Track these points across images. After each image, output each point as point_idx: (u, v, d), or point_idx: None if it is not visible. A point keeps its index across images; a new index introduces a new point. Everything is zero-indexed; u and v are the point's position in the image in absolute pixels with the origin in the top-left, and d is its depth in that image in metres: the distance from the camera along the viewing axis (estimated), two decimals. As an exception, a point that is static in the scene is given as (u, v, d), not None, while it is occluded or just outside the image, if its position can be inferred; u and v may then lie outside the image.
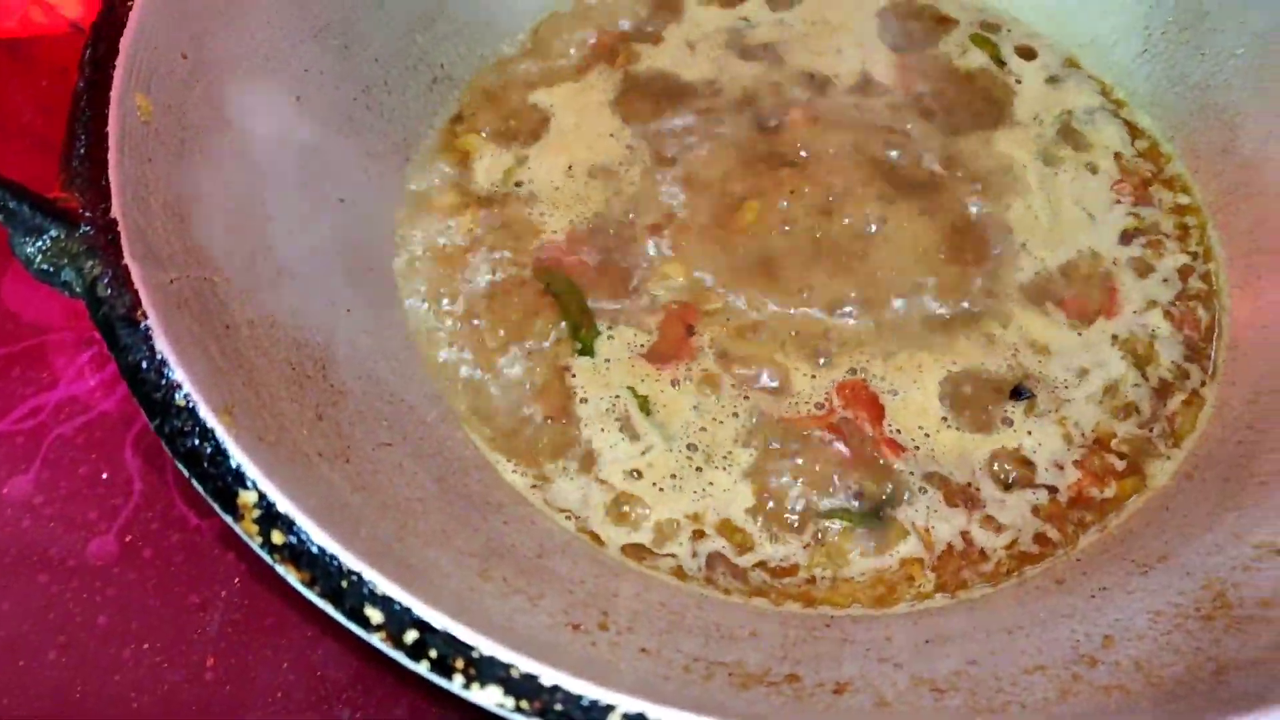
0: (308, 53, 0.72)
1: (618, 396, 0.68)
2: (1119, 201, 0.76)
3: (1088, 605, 0.57)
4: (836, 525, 0.64)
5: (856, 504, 0.64)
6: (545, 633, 0.47)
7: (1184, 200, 0.77)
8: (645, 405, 0.68)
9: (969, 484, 0.66)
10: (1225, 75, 0.78)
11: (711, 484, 0.66)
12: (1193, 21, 0.81)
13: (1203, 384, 0.70)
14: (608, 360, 0.70)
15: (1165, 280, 0.73)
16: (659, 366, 0.69)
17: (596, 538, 0.64)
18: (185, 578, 0.81)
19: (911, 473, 0.66)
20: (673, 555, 0.64)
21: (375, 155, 0.76)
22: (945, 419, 0.67)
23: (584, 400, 0.68)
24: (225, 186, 0.63)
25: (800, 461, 0.65)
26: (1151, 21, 0.83)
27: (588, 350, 0.70)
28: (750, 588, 0.63)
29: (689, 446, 0.67)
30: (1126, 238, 0.75)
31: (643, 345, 0.70)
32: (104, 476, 0.86)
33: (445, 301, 0.72)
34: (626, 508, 0.65)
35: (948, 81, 0.82)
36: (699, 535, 0.64)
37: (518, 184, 0.77)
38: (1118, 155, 0.79)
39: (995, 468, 0.66)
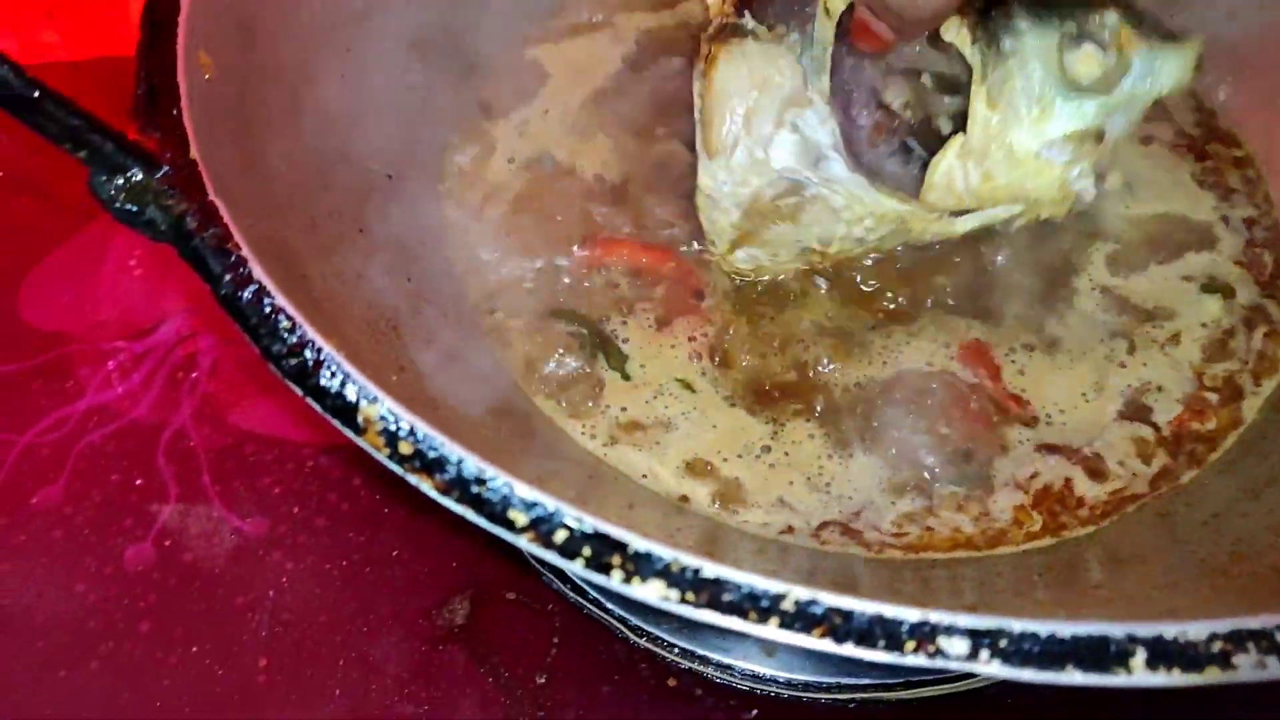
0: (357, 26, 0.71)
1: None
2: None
3: (1202, 531, 0.55)
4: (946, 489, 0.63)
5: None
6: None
7: (1238, 153, 0.78)
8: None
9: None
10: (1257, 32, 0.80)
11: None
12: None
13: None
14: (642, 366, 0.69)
15: (1235, 230, 0.74)
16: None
17: (685, 499, 0.62)
18: (229, 580, 0.77)
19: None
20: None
21: (421, 129, 0.75)
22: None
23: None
24: (285, 149, 0.61)
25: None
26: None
27: (624, 376, 0.68)
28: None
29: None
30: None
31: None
32: (138, 483, 0.82)
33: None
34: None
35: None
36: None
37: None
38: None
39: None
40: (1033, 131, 0.62)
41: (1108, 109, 0.62)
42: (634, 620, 0.70)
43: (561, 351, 0.67)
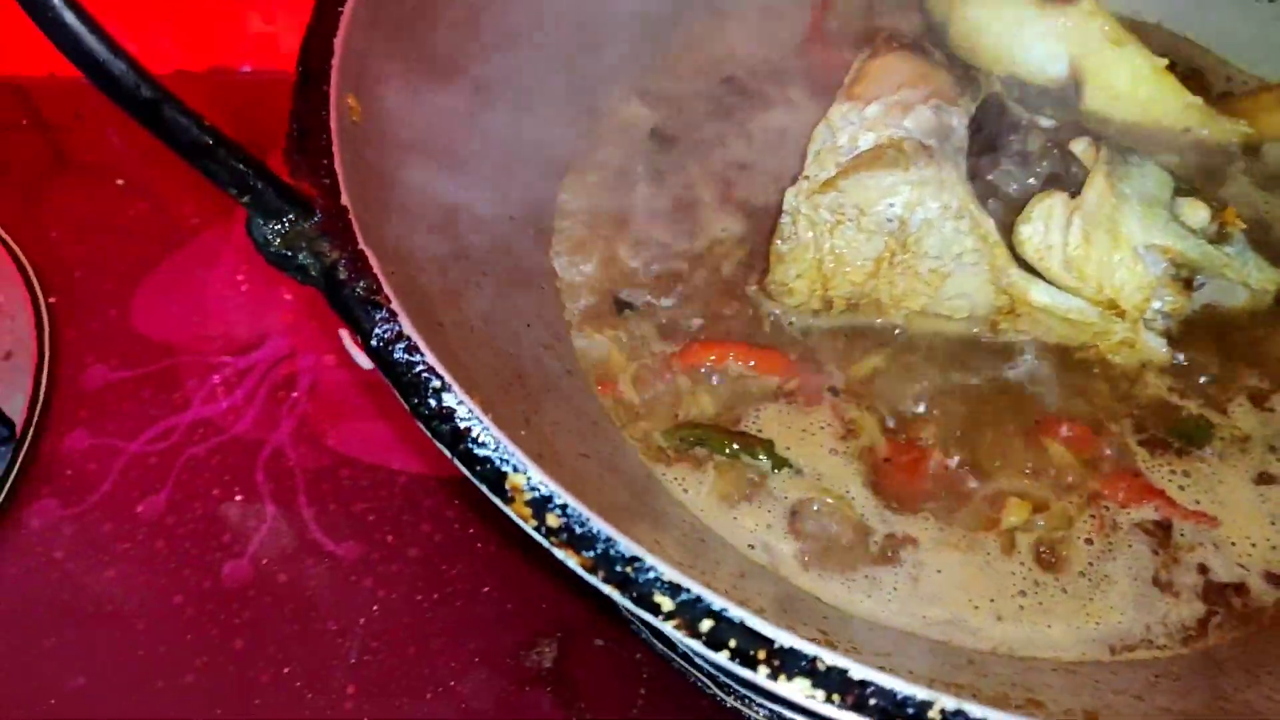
0: (492, 60, 0.72)
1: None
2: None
3: None
4: None
5: None
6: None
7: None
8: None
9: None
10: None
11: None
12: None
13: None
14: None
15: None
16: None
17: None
18: (322, 604, 0.78)
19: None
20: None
21: (549, 177, 0.75)
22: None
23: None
24: (423, 190, 0.62)
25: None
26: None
27: (780, 464, 0.67)
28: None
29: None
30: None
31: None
32: (237, 499, 0.84)
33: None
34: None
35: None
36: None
37: None
38: None
39: None
40: (1140, 225, 0.66)
41: (1204, 254, 0.68)
42: (722, 677, 0.70)
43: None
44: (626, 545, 0.40)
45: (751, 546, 0.62)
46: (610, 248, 0.76)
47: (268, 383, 0.92)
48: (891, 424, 0.67)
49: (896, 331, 0.71)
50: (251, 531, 0.83)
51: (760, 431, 0.67)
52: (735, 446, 0.65)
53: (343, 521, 0.83)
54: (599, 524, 0.40)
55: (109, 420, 0.87)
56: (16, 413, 0.84)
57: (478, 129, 0.71)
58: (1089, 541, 0.62)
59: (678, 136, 0.82)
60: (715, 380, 0.69)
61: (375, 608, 0.78)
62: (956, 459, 0.65)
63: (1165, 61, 0.80)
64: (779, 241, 0.70)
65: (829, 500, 0.63)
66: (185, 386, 0.91)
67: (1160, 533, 0.63)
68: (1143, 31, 0.89)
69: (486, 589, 0.79)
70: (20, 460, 0.82)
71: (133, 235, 1.00)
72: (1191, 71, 0.86)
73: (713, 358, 0.70)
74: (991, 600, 0.60)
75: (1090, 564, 0.62)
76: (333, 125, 0.55)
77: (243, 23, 1.16)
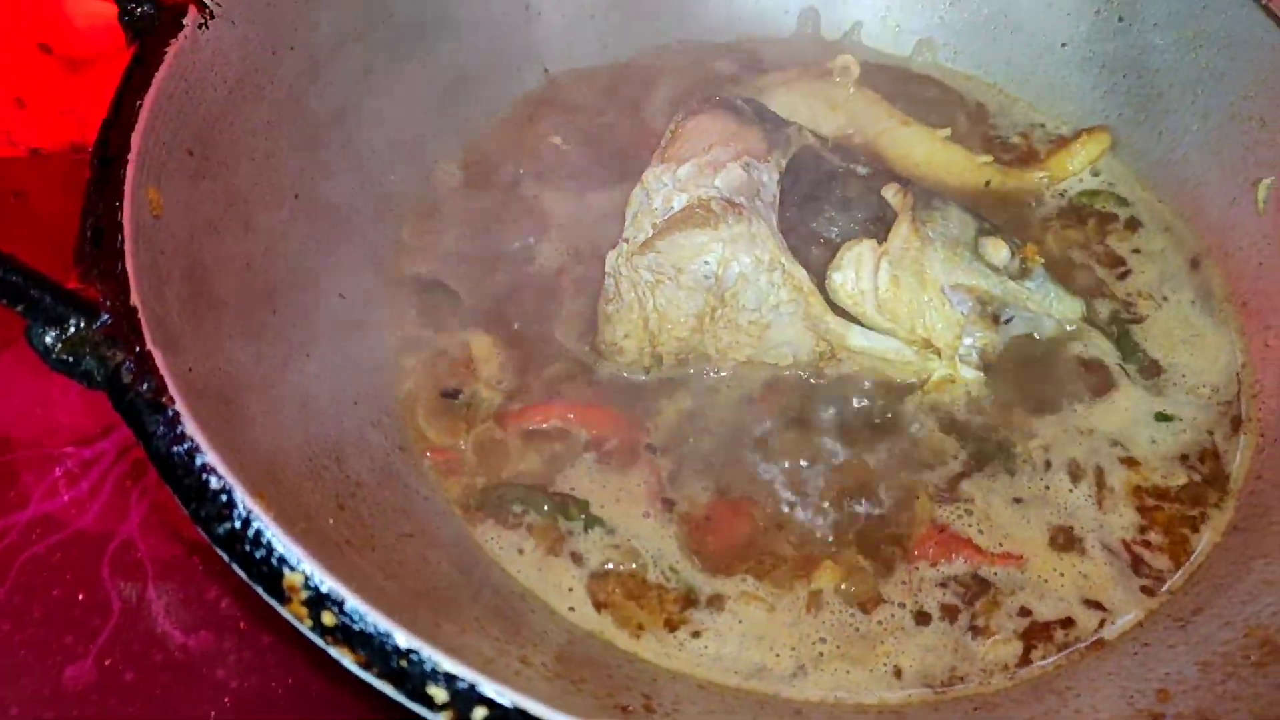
0: (306, 154, 0.73)
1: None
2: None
3: (1132, 663, 0.56)
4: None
5: None
6: (598, 714, 0.45)
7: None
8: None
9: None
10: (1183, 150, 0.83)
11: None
12: (1147, 104, 0.86)
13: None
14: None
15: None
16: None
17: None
18: (172, 700, 0.76)
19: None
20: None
21: (371, 247, 0.75)
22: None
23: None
24: (233, 280, 0.62)
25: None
26: (1108, 107, 0.88)
27: (592, 523, 0.67)
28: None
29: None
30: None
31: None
32: (80, 598, 0.81)
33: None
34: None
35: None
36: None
37: None
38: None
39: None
40: (944, 266, 0.70)
41: (1007, 290, 0.72)
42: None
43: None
44: (405, 638, 0.40)
45: (572, 609, 0.62)
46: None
47: (115, 472, 0.89)
48: (708, 485, 0.68)
49: (722, 377, 0.73)
50: (97, 629, 0.80)
51: (574, 490, 0.68)
52: (550, 506, 0.66)
53: (195, 611, 0.81)
54: (376, 619, 0.40)
55: (-61, 526, 0.84)
56: None
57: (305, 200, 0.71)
58: (901, 605, 0.64)
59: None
60: (541, 440, 0.70)
61: (227, 700, 0.76)
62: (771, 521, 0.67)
63: (947, 131, 0.87)
64: (605, 303, 0.71)
65: (640, 561, 0.64)
66: (23, 482, 0.88)
67: (974, 584, 0.65)
68: (955, 80, 0.94)
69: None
70: None
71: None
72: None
73: (539, 418, 0.70)
74: (794, 650, 0.61)
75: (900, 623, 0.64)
76: (126, 223, 0.54)
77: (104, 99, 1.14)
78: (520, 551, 0.65)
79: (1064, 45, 0.90)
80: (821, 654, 0.61)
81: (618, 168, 0.80)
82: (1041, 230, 0.82)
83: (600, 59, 0.93)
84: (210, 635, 0.79)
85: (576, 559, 0.64)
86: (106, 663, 0.77)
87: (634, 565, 0.64)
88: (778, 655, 0.61)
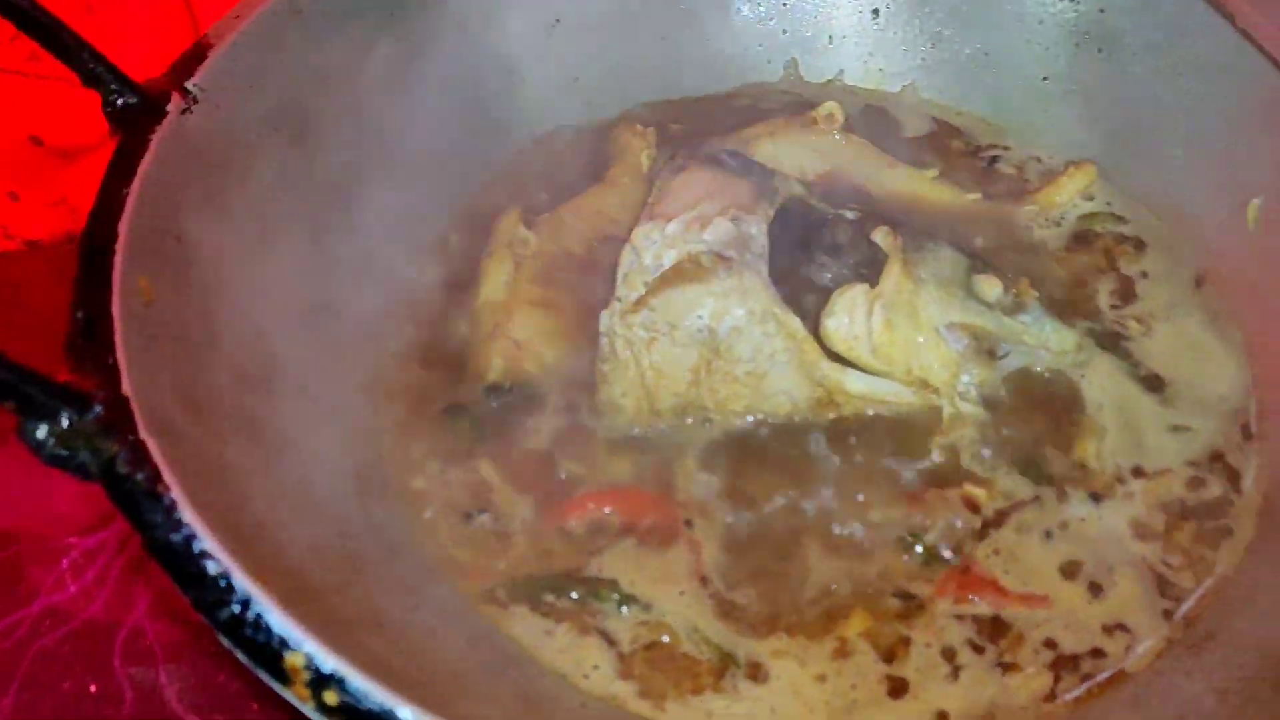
0: (297, 237, 0.73)
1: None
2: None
3: (1147, 693, 0.55)
4: None
5: None
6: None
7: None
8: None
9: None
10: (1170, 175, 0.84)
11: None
12: (1131, 133, 0.86)
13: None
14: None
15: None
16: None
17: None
18: (186, 793, 0.75)
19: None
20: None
21: (364, 337, 0.76)
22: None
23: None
24: (229, 364, 0.62)
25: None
26: (1092, 138, 0.89)
27: (626, 601, 0.66)
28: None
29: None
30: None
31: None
32: (92, 690, 0.80)
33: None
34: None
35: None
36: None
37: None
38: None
39: None
40: (938, 307, 0.70)
41: (1001, 326, 0.71)
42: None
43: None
44: (411, 714, 0.39)
45: (596, 681, 0.61)
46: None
47: (121, 559, 0.89)
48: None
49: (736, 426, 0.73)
50: (108, 720, 0.79)
51: (601, 572, 0.66)
52: (579, 592, 0.65)
53: (207, 695, 0.80)
54: (381, 696, 0.39)
55: (-52, 622, 0.83)
56: None
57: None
58: (927, 645, 0.63)
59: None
60: (572, 525, 0.69)
61: (245, 786, 0.75)
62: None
63: (934, 172, 0.88)
64: (601, 363, 0.71)
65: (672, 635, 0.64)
66: (30, 576, 0.87)
67: (995, 625, 0.64)
68: (941, 118, 0.95)
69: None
70: None
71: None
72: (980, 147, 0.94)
73: (575, 515, 0.69)
74: (827, 703, 0.60)
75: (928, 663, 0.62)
76: (115, 312, 0.54)
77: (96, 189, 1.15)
78: (548, 633, 0.63)
79: (1045, 79, 0.91)
80: (855, 701, 0.60)
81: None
82: (1036, 261, 0.82)
83: (585, 116, 0.95)
84: (223, 718, 0.78)
85: (607, 638, 0.64)
86: (119, 758, 0.76)
87: (665, 638, 0.63)
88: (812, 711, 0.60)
